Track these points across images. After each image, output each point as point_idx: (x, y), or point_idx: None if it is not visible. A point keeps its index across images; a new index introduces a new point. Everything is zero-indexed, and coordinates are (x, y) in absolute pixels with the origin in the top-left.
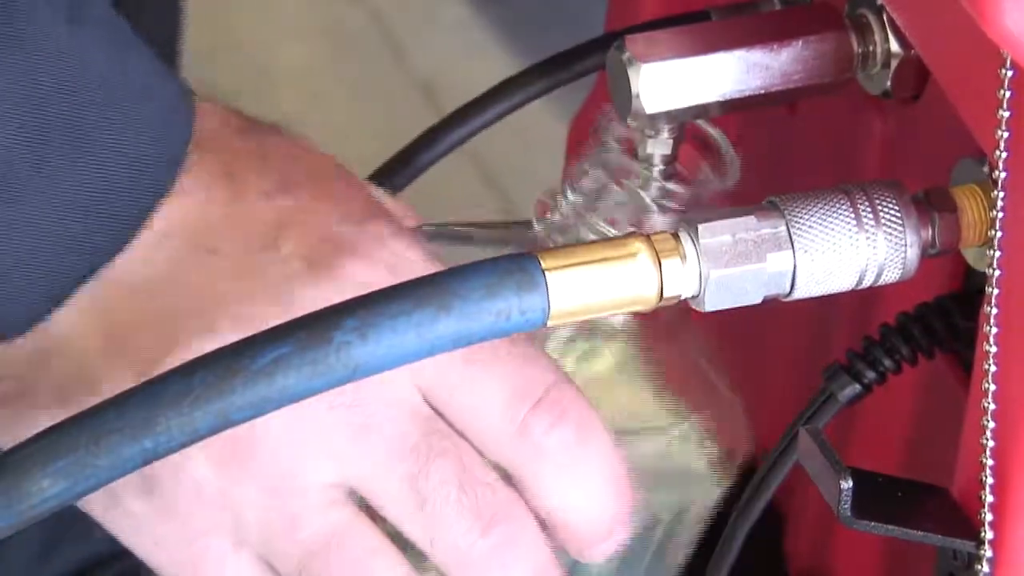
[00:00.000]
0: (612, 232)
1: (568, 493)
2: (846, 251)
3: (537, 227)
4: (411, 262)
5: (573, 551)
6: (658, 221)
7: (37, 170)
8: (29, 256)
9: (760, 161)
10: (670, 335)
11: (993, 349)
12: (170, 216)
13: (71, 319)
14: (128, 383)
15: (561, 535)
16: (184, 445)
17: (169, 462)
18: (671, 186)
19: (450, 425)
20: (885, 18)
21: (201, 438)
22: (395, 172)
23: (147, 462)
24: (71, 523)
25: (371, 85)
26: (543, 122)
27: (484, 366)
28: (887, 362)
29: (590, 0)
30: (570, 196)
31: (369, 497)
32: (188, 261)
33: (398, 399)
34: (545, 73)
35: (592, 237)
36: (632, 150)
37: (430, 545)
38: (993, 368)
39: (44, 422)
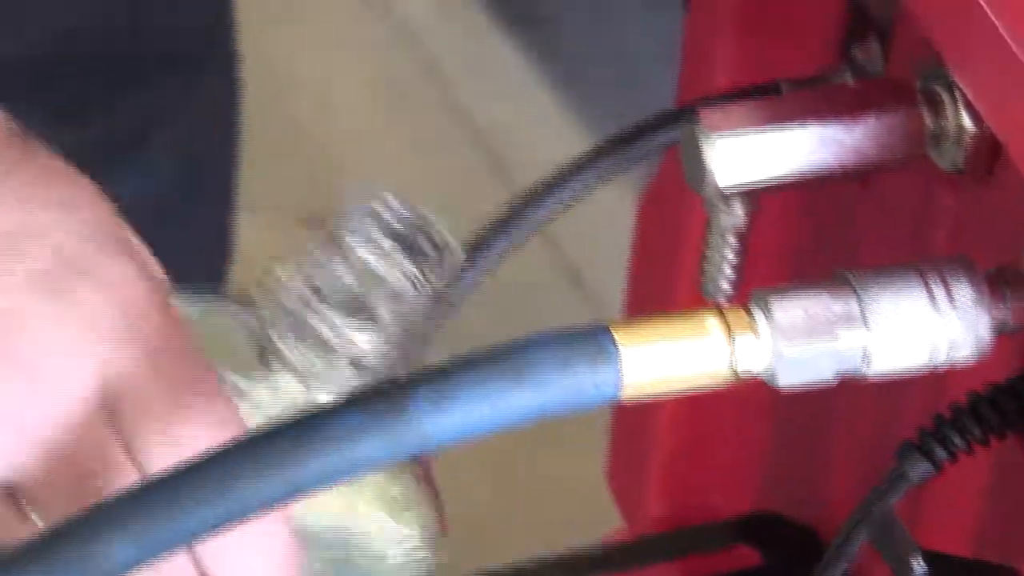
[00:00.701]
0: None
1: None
2: (919, 331)
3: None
4: (144, 304)
5: None
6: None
7: None
8: None
9: (830, 233)
10: None
11: None
12: None
13: None
14: None
15: None
16: (257, 512)
17: None
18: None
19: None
20: (957, 93)
21: (273, 506)
22: (473, 260)
23: (219, 528)
24: None
25: (425, 135)
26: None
27: None
28: (958, 441)
29: (639, 46)
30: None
31: (23, 489)
32: None
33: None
34: (617, 149)
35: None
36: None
37: None
38: None
39: None
